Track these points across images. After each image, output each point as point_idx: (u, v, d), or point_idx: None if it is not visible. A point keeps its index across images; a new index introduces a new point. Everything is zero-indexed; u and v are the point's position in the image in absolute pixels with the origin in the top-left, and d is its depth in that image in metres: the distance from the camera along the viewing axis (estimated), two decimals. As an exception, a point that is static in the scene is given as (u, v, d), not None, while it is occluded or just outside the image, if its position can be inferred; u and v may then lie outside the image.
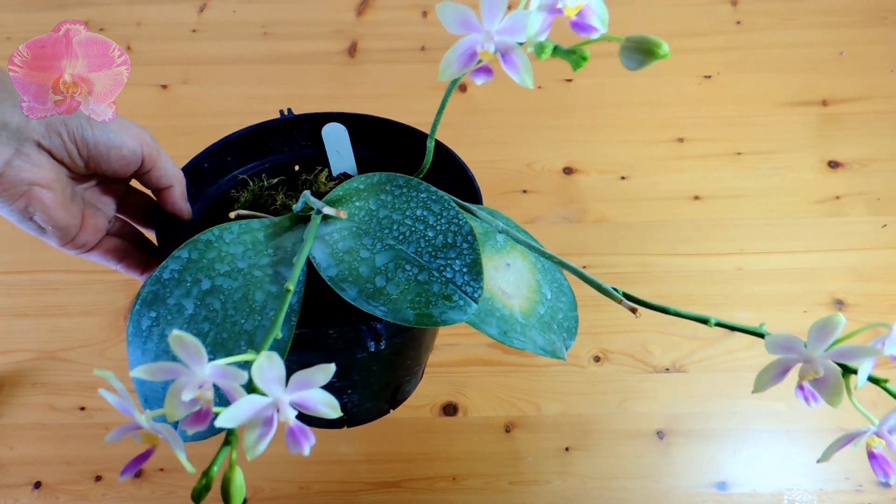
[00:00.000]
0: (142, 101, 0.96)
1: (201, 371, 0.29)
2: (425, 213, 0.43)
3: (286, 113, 0.59)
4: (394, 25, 1.03)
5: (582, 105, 0.94)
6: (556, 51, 0.33)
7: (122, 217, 0.51)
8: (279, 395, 0.30)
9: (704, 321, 0.37)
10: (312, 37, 1.03)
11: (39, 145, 0.40)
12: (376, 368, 0.56)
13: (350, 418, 0.64)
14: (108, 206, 0.48)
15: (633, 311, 0.37)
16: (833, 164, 0.86)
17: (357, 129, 0.58)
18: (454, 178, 0.55)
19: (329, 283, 0.41)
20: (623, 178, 0.87)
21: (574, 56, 0.32)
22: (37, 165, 0.41)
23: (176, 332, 0.28)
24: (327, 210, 0.42)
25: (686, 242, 0.81)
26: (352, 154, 0.59)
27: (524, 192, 0.86)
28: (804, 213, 0.82)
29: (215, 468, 0.30)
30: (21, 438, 0.70)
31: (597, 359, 0.73)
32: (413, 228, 0.43)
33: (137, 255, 0.50)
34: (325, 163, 0.60)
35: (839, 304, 0.75)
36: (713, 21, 1.02)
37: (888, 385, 0.34)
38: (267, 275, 0.43)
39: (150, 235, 0.52)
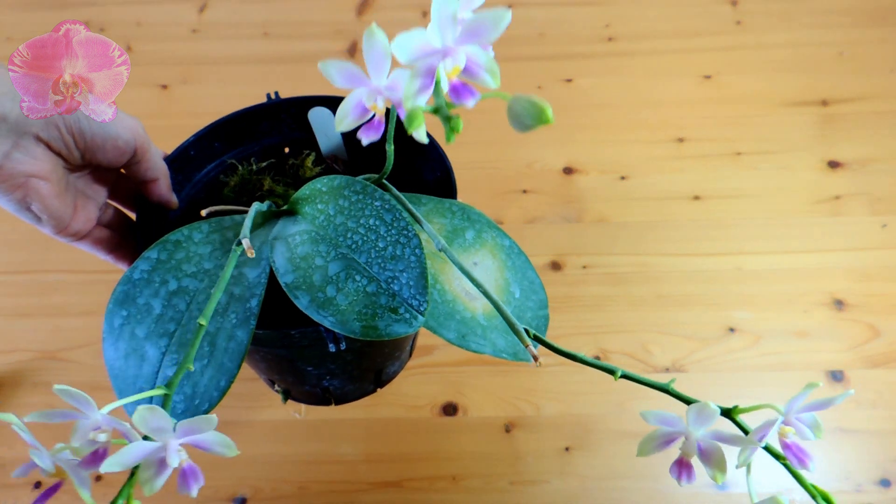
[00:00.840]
0: (142, 101, 0.96)
1: (94, 415, 0.32)
2: (377, 222, 0.43)
3: (273, 97, 0.60)
4: (394, 25, 1.03)
5: (582, 105, 0.94)
6: (438, 112, 0.30)
7: (113, 203, 0.51)
8: (167, 441, 0.31)
9: (611, 372, 0.38)
10: (312, 37, 1.02)
11: (38, 138, 0.41)
12: (350, 359, 0.57)
13: (336, 399, 0.66)
14: (99, 194, 0.49)
15: (535, 358, 0.37)
16: (833, 164, 0.86)
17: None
18: (434, 167, 0.55)
19: (285, 290, 0.41)
20: (623, 178, 0.87)
21: (449, 123, 0.30)
22: (35, 157, 0.41)
23: (57, 386, 0.30)
24: (245, 244, 0.41)
25: (686, 242, 0.81)
26: (339, 137, 0.59)
27: (524, 192, 0.86)
28: (804, 213, 0.82)
29: (120, 502, 0.32)
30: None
31: (597, 359, 0.73)
32: (365, 238, 0.42)
33: (127, 246, 0.51)
34: (314, 145, 0.60)
35: (839, 304, 0.75)
36: (713, 21, 1.02)
37: (786, 463, 0.35)
38: (232, 276, 0.43)
39: None
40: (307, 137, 0.60)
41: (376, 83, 0.34)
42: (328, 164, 0.60)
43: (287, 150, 0.61)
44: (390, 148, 0.43)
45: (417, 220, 0.45)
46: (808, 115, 0.91)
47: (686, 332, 0.74)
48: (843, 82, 0.94)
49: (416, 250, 0.41)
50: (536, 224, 0.83)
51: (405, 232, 0.42)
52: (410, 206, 0.45)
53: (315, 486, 0.66)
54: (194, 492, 0.32)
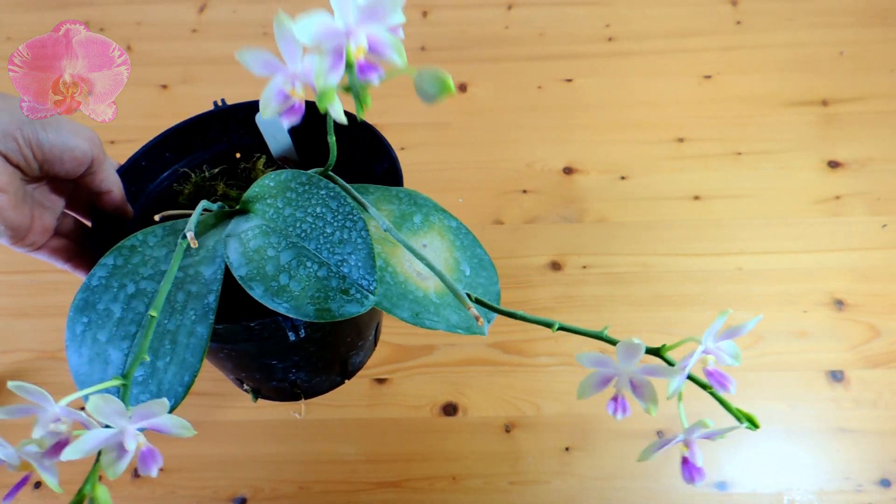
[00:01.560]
0: (142, 101, 0.96)
1: (52, 409, 0.34)
2: (324, 209, 0.44)
3: (220, 104, 0.60)
4: (394, 25, 1.03)
5: (582, 105, 0.94)
6: (350, 90, 0.33)
7: (70, 213, 0.52)
8: (124, 426, 0.33)
9: (549, 325, 0.40)
10: (312, 37, 1.02)
11: None
12: (313, 349, 0.58)
13: (304, 392, 0.67)
14: (56, 204, 0.50)
15: (477, 318, 0.38)
16: (833, 164, 0.86)
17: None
18: (381, 160, 0.57)
19: (240, 283, 0.42)
20: (623, 178, 0.87)
21: (359, 99, 0.32)
22: None
23: (11, 383, 0.32)
24: (189, 236, 0.43)
25: (686, 242, 0.81)
26: (289, 138, 0.60)
27: (524, 192, 0.86)
28: (804, 213, 0.82)
29: (88, 486, 0.33)
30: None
31: (597, 359, 0.73)
32: (314, 225, 0.44)
33: (84, 255, 0.52)
34: (265, 149, 0.61)
35: (839, 304, 0.75)
36: (713, 21, 1.02)
37: (712, 390, 0.38)
38: (188, 275, 0.45)
39: None
40: (257, 142, 0.61)
41: (292, 68, 0.35)
42: (279, 167, 0.61)
43: (238, 155, 0.62)
44: (332, 139, 0.45)
45: (362, 205, 0.46)
46: (808, 115, 0.91)
47: (686, 332, 0.74)
48: (843, 82, 0.94)
49: (363, 232, 0.43)
50: (536, 224, 0.83)
51: (351, 216, 0.43)
52: (356, 193, 0.47)
53: (315, 486, 0.66)
54: (154, 472, 0.33)
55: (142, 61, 1.00)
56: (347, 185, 0.48)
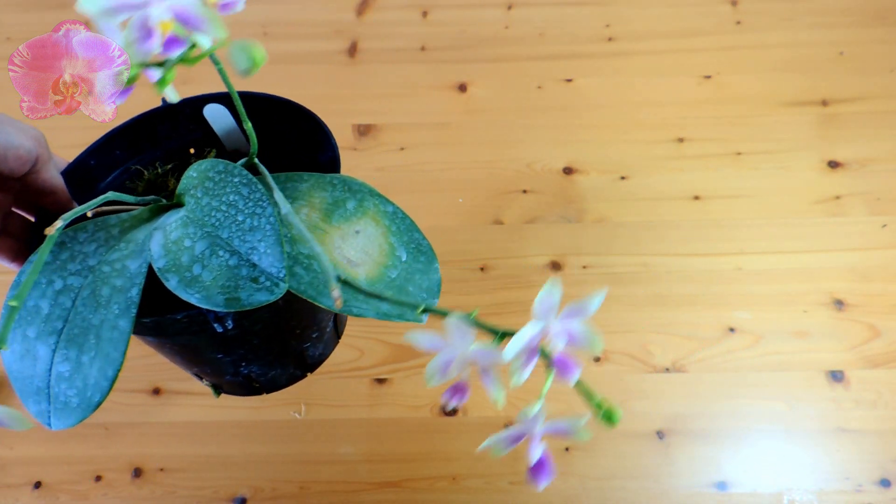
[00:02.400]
0: (142, 101, 0.96)
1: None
2: (236, 197, 0.44)
3: (167, 101, 0.61)
4: (394, 25, 1.03)
5: (582, 105, 0.94)
6: (160, 65, 0.32)
7: (18, 212, 0.51)
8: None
9: (414, 307, 0.40)
10: (312, 37, 1.02)
11: None
12: (257, 342, 0.57)
13: (264, 387, 0.66)
14: (2, 204, 0.49)
15: (336, 301, 0.38)
16: (833, 164, 0.86)
17: (248, 106, 0.60)
18: (324, 149, 0.56)
19: (158, 274, 0.42)
20: (623, 178, 0.87)
21: (163, 76, 0.32)
22: None
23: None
24: (53, 225, 0.42)
25: (686, 242, 0.81)
26: (239, 131, 0.60)
27: (524, 192, 0.86)
28: (804, 213, 0.82)
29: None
30: (21, 438, 0.70)
31: (596, 359, 0.73)
32: (227, 213, 0.43)
33: (29, 254, 0.51)
34: (217, 143, 0.61)
35: (839, 304, 0.75)
36: (713, 21, 1.02)
37: (569, 379, 0.34)
38: (115, 269, 0.44)
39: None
40: (208, 136, 0.61)
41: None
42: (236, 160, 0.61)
43: (193, 150, 0.62)
44: (248, 125, 0.45)
45: (269, 189, 0.45)
46: (808, 115, 0.91)
47: (686, 332, 0.74)
48: (843, 82, 0.94)
49: (271, 219, 0.42)
50: (536, 224, 0.83)
51: (261, 203, 0.42)
52: (270, 179, 0.46)
53: (315, 486, 0.66)
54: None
55: (142, 61, 1.00)
56: (266, 172, 0.47)
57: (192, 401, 0.71)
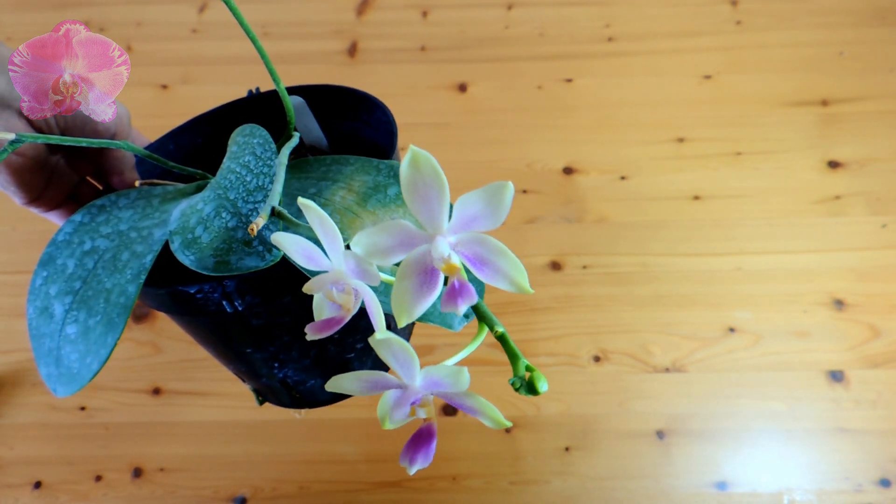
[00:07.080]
0: (142, 101, 0.96)
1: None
2: (251, 158, 0.42)
3: (255, 92, 0.60)
4: (394, 25, 1.03)
5: (582, 105, 0.94)
6: None
7: (91, 181, 0.52)
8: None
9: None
10: (312, 37, 1.02)
11: (20, 113, 0.41)
12: (287, 339, 0.54)
13: (302, 397, 0.59)
14: (75, 173, 0.50)
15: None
16: (833, 164, 0.86)
17: (325, 100, 0.58)
18: (381, 128, 0.55)
19: (168, 238, 0.41)
20: (623, 178, 0.87)
21: None
22: (14, 131, 0.41)
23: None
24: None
25: (686, 242, 0.81)
26: (317, 124, 0.59)
27: (524, 192, 0.86)
28: (804, 213, 0.82)
29: None
30: (21, 438, 0.70)
31: (597, 359, 0.73)
32: (239, 175, 0.42)
33: None
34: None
35: (839, 304, 0.75)
36: (713, 21, 1.02)
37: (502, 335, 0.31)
38: (141, 236, 0.43)
39: None
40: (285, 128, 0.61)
41: None
42: (309, 153, 0.60)
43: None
44: (287, 101, 0.44)
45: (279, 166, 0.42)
46: (808, 115, 0.91)
47: (686, 331, 0.74)
48: (843, 82, 0.94)
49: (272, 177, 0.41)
50: (536, 224, 0.83)
51: (268, 162, 0.41)
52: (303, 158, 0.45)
53: (315, 486, 0.66)
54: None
55: (142, 61, 1.00)
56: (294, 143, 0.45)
57: (192, 401, 0.71)
